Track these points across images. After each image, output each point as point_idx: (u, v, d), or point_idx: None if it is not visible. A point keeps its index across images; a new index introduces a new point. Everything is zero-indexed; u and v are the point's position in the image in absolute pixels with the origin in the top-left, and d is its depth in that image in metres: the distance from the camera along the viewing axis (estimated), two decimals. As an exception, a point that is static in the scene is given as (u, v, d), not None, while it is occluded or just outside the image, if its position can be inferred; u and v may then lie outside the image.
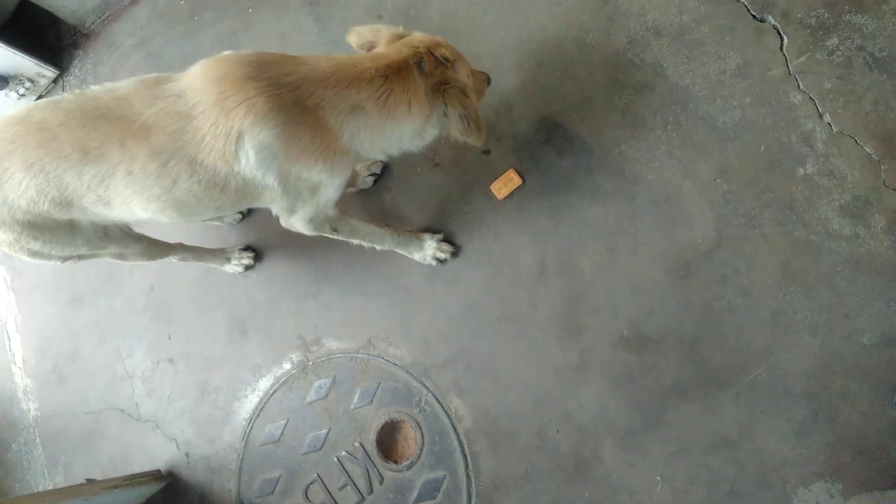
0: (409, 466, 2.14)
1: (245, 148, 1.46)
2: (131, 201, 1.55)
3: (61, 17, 2.98)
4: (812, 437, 1.79)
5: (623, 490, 1.93)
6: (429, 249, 2.17)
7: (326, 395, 2.28)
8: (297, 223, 1.83)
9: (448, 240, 2.21)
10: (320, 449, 2.25)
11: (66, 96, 1.53)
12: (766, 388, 1.85)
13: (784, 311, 1.86)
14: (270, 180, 1.56)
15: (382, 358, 2.24)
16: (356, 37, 1.72)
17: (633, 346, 1.98)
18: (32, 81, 2.92)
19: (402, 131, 1.65)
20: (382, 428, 2.20)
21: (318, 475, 2.23)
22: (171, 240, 2.27)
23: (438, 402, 2.15)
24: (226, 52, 1.51)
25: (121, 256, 1.97)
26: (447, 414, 2.13)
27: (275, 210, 1.78)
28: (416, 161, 2.30)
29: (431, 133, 1.72)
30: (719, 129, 1.98)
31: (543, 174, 2.15)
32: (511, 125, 2.20)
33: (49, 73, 2.94)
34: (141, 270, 2.64)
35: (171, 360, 2.55)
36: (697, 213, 1.97)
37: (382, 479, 2.16)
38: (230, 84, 1.43)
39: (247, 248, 2.47)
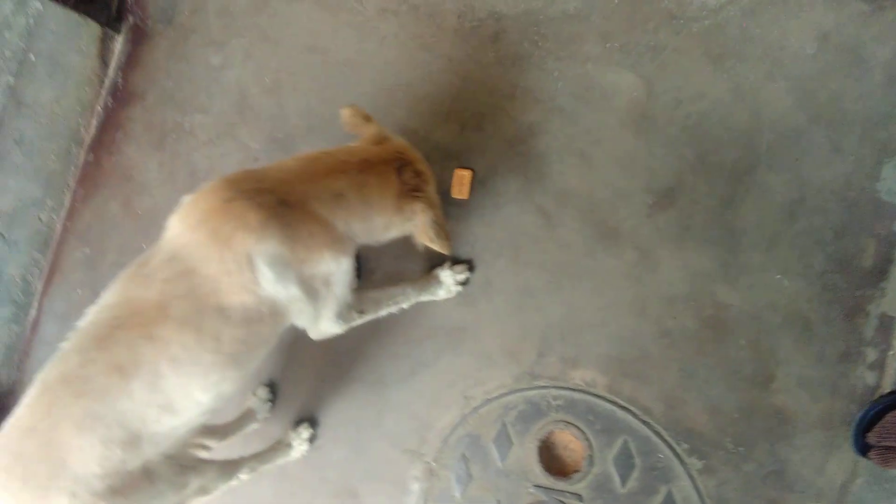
0: (591, 462, 1.99)
1: (260, 268, 1.42)
2: (190, 387, 1.42)
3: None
4: (846, 141, 1.89)
5: (763, 308, 1.91)
6: (447, 279, 2.13)
7: (470, 476, 2.10)
8: (326, 325, 1.77)
9: (456, 262, 2.19)
10: (505, 523, 2.04)
11: (64, 343, 1.42)
12: (781, 143, 1.94)
13: (738, 82, 2.00)
14: (293, 290, 1.51)
15: (487, 400, 2.12)
16: (351, 112, 1.75)
17: (664, 204, 2.02)
18: None
19: (380, 220, 1.67)
20: (539, 455, 2.04)
21: (524, 545, 2.01)
22: (232, 456, 2.08)
23: (564, 388, 2.04)
24: (188, 197, 1.49)
25: (204, 490, 1.77)
26: (580, 391, 2.03)
27: (301, 324, 1.71)
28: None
29: (395, 230, 1.75)
30: (572, 15, 2.17)
31: (482, 152, 2.22)
32: (427, 140, 2.28)
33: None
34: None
35: (309, 584, 2.26)
36: (616, 78, 2.11)
37: (579, 496, 1.98)
38: (215, 217, 1.40)
39: (299, 423, 2.31)
